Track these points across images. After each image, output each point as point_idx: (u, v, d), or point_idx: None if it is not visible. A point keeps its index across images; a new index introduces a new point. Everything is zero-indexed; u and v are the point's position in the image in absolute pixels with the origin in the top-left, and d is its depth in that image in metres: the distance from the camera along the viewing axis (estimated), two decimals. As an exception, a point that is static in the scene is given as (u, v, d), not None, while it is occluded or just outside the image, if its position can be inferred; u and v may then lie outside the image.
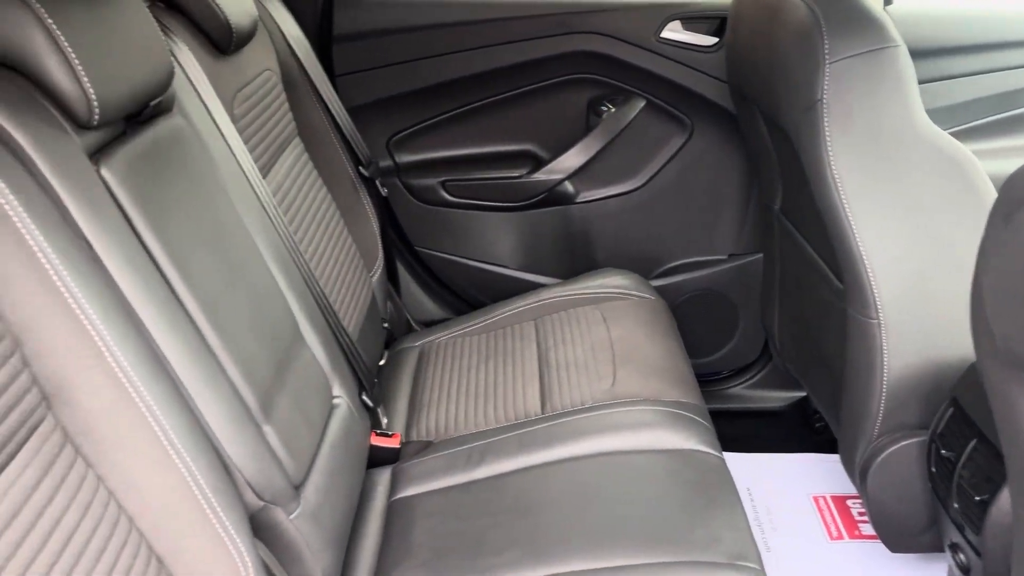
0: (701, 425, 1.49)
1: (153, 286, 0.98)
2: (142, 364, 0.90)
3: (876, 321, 1.33)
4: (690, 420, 1.49)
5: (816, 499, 1.92)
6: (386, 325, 1.90)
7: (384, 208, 2.00)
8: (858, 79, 1.24)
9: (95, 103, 0.94)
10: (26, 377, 0.80)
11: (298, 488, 1.16)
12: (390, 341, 1.94)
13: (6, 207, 0.81)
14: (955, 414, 1.27)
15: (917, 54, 1.32)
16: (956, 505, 1.24)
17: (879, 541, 1.72)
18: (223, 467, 1.00)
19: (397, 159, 2.06)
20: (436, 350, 1.87)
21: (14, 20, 0.90)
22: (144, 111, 1.08)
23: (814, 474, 1.99)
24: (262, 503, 1.08)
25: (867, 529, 1.81)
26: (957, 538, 1.28)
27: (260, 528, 1.08)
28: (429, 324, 2.09)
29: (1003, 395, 0.89)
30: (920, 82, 1.31)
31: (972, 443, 1.20)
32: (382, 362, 1.84)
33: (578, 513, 1.29)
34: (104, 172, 0.98)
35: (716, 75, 1.89)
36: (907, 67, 1.27)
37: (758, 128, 1.69)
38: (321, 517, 1.18)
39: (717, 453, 1.43)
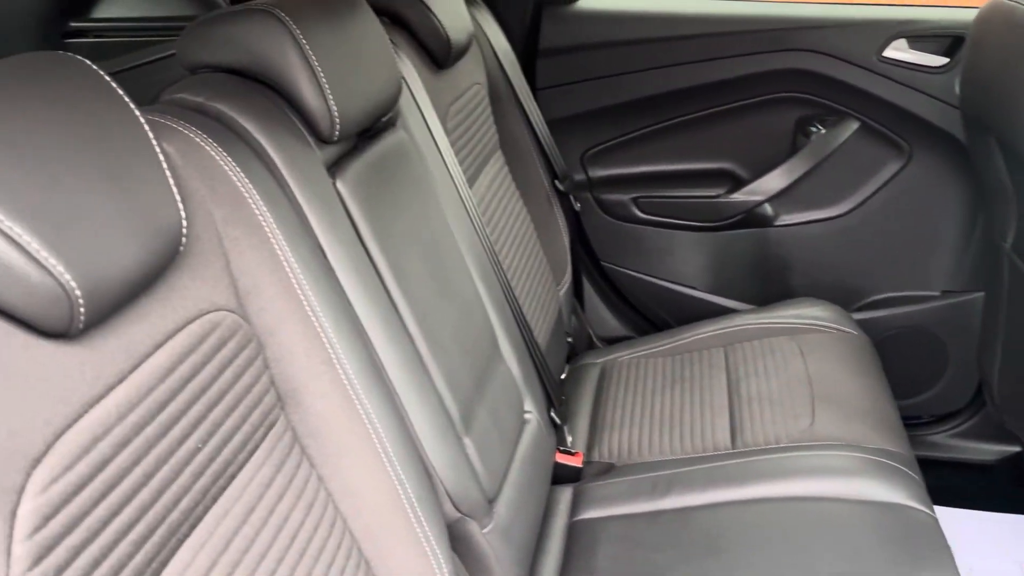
0: (910, 478, 1.37)
1: (376, 297, 1.02)
2: (364, 372, 0.94)
3: None
4: (898, 471, 1.38)
5: (1029, 569, 1.74)
6: (569, 340, 1.89)
7: (575, 222, 2.00)
8: None
9: (337, 119, 0.99)
10: (267, 379, 0.85)
11: (491, 502, 1.17)
12: (571, 356, 1.93)
13: (259, 218, 0.86)
14: None
15: None
16: None
17: (1108, 627, 1.54)
18: (427, 477, 1.02)
19: (591, 174, 2.05)
20: (619, 369, 1.84)
21: (273, 40, 0.95)
22: (375, 126, 1.13)
23: (1027, 540, 1.80)
24: (458, 515, 1.10)
25: (1092, 610, 1.61)
26: None
27: (454, 539, 1.09)
28: (611, 341, 2.07)
29: None
30: None
31: None
32: (563, 376, 1.84)
33: (771, 559, 1.23)
34: (339, 185, 1.03)
35: (944, 98, 1.75)
36: None
37: (993, 158, 1.54)
38: (511, 533, 1.18)
39: (929, 511, 1.32)
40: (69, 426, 0.61)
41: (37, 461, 0.58)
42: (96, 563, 0.61)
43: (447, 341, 1.17)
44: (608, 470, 1.54)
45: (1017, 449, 1.93)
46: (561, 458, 1.52)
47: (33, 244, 0.57)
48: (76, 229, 0.60)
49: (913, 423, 2.02)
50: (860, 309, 1.96)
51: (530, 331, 1.50)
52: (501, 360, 1.36)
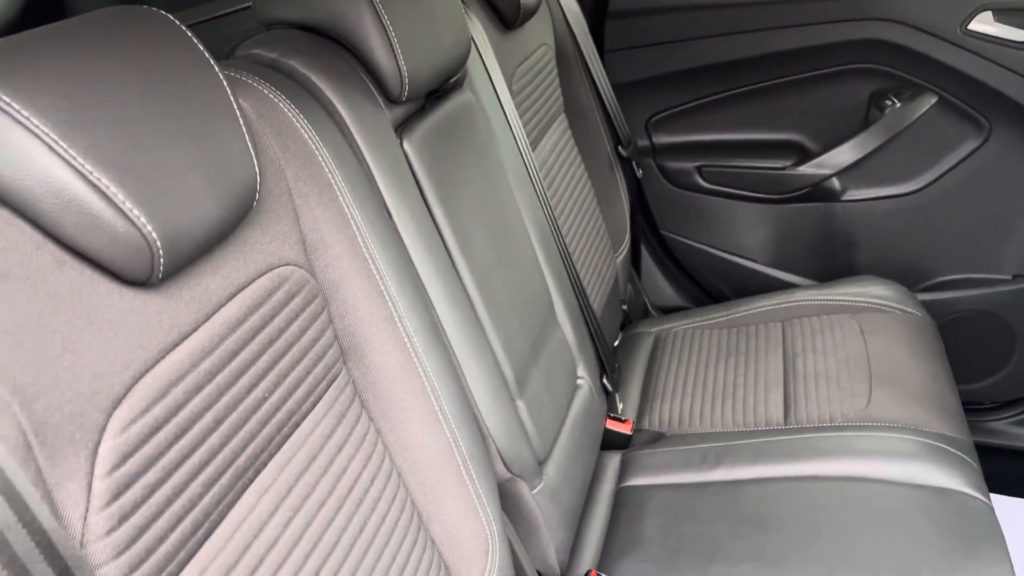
0: (968, 464, 1.35)
1: (438, 258, 1.03)
2: (424, 331, 0.95)
3: None
4: (955, 457, 1.35)
5: (1087, 563, 1.70)
6: (624, 307, 1.89)
7: (636, 189, 1.98)
8: None
9: (407, 79, 0.99)
10: (330, 333, 0.87)
11: (541, 464, 1.19)
12: (625, 323, 1.93)
13: (329, 176, 0.87)
14: None
15: None
16: None
17: None
18: (481, 436, 1.04)
19: (655, 140, 2.02)
20: (673, 339, 1.83)
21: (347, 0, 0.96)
22: (442, 87, 1.13)
23: (1087, 534, 1.76)
24: (509, 475, 1.12)
25: None
26: None
27: (504, 499, 1.12)
28: (667, 311, 2.06)
29: None
30: None
31: None
32: (616, 343, 1.84)
33: (821, 537, 1.22)
34: (406, 146, 1.04)
35: (1028, 74, 1.68)
36: None
37: (1079, 139, 1.48)
38: (560, 495, 1.20)
39: (985, 498, 1.29)
40: (147, 371, 0.63)
41: (117, 402, 0.60)
42: (169, 501, 0.64)
43: (505, 305, 1.18)
44: (658, 439, 1.54)
45: (1082, 441, 1.88)
46: (611, 425, 1.53)
47: (119, 195, 0.59)
48: (158, 182, 0.62)
49: (975, 408, 1.98)
50: (926, 290, 1.91)
51: (586, 297, 1.50)
52: (556, 325, 1.36)
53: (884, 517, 1.25)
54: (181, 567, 0.65)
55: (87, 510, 0.58)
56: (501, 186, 1.26)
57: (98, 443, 0.59)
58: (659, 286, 2.12)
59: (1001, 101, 1.74)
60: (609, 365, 1.54)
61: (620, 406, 1.57)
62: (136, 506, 0.61)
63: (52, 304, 0.58)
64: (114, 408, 0.60)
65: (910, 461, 1.34)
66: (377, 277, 0.91)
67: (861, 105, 1.87)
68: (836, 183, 1.92)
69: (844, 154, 1.87)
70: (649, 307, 2.06)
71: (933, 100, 1.80)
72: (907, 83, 1.81)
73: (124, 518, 0.60)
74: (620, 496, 1.42)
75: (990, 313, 1.89)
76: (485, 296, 1.11)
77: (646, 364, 1.77)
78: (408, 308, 0.93)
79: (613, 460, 1.51)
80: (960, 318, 1.90)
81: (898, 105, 1.82)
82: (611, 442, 1.53)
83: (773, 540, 1.23)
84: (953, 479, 1.31)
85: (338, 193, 0.88)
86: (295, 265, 0.83)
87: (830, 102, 1.89)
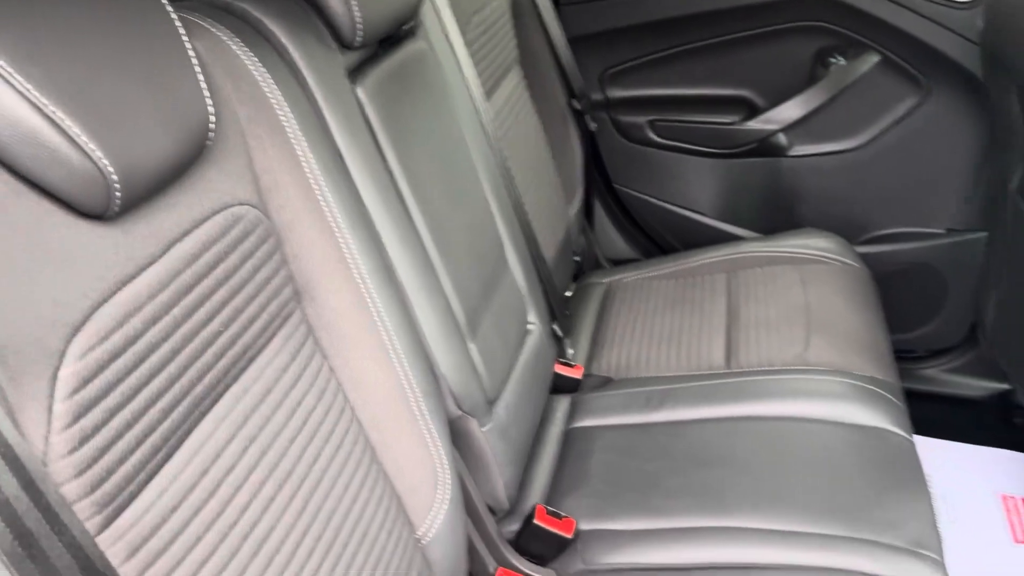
0: (894, 405, 1.43)
1: (390, 202, 1.06)
2: (376, 272, 0.98)
3: (1119, 325, 1.22)
4: (883, 398, 1.43)
5: (1005, 498, 1.81)
6: (577, 258, 1.94)
7: (589, 142, 2.01)
8: None
9: (360, 24, 1.01)
10: (284, 273, 0.90)
11: (492, 403, 1.23)
12: (578, 274, 1.98)
13: (281, 118, 0.89)
14: None
15: None
16: None
17: (1073, 556, 1.62)
18: (432, 375, 1.08)
19: (608, 94, 2.05)
20: (623, 289, 1.89)
21: (299, -58, 0.97)
22: (396, 33, 1.14)
23: (1006, 472, 1.87)
24: (460, 412, 1.16)
25: (1060, 540, 1.69)
26: None
27: (455, 435, 1.16)
28: (618, 262, 2.11)
29: None
30: None
31: None
32: (568, 293, 1.89)
33: (756, 472, 1.30)
34: (358, 91, 1.05)
35: (966, 34, 1.73)
36: None
37: (1010, 99, 1.54)
38: (509, 433, 1.25)
39: (908, 436, 1.38)
40: (105, 300, 0.66)
41: (77, 329, 0.63)
42: (128, 426, 0.67)
43: (457, 248, 1.21)
44: (606, 383, 1.60)
45: (1005, 387, 1.98)
46: (561, 369, 1.58)
47: (75, 128, 0.61)
48: (114, 118, 0.64)
49: (908, 357, 2.07)
50: (865, 243, 1.98)
51: (537, 246, 1.54)
52: (508, 271, 1.40)
53: (816, 454, 1.33)
54: (141, 488, 0.68)
55: (48, 431, 0.60)
56: (454, 134, 1.28)
57: (58, 367, 0.61)
58: (611, 238, 2.17)
59: (940, 61, 1.80)
60: (559, 311, 1.58)
61: (571, 352, 1.63)
62: (96, 428, 0.64)
63: (10, 233, 0.60)
64: (73, 335, 0.63)
65: (841, 402, 1.41)
66: (330, 218, 0.93)
67: (807, 62, 1.92)
68: (782, 139, 1.97)
69: (790, 110, 1.92)
70: (601, 258, 2.11)
71: (876, 59, 1.85)
72: (851, 41, 1.86)
73: (84, 439, 0.63)
74: (568, 437, 1.48)
75: (924, 265, 1.98)
76: (438, 240, 1.15)
77: (597, 313, 1.83)
78: (361, 249, 0.96)
79: (562, 403, 1.56)
80: (896, 270, 1.98)
81: (842, 63, 1.87)
82: (561, 386, 1.58)
83: (712, 475, 1.30)
84: (880, 419, 1.39)
85: (291, 135, 0.90)
86: (249, 205, 0.85)
87: (778, 59, 1.93)
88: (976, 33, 1.69)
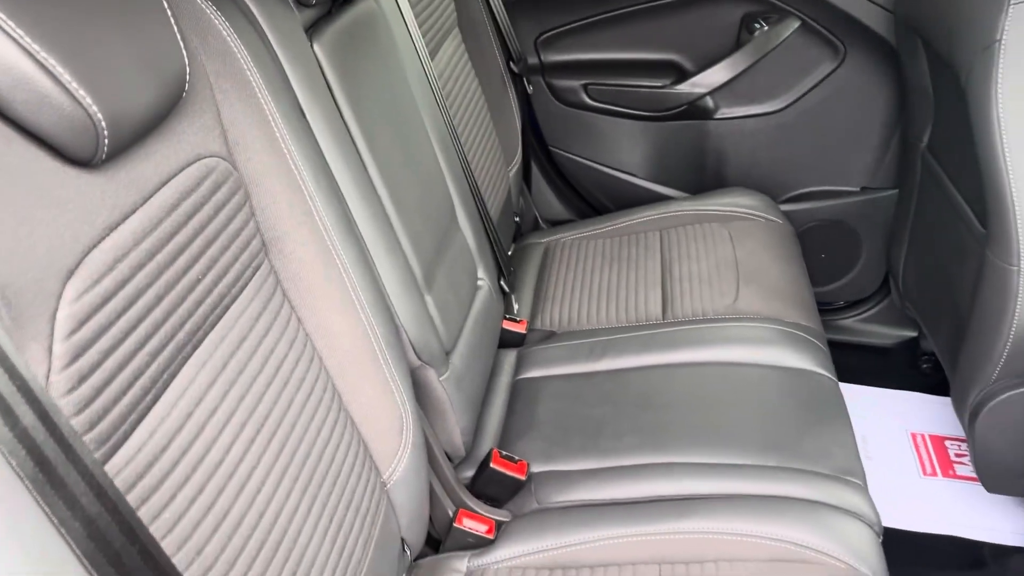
0: (819, 349, 1.54)
1: (349, 157, 1.09)
2: (340, 225, 1.01)
3: (1016, 268, 1.34)
4: (808, 342, 1.54)
5: (914, 436, 1.96)
6: (517, 219, 1.99)
7: (526, 106, 2.06)
8: (1044, 22, 1.22)
9: (316, -19, 1.03)
10: (253, 224, 0.92)
11: (448, 354, 1.28)
12: (517, 235, 2.03)
13: (248, 74, 0.91)
14: (1081, 367, 1.29)
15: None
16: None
17: (972, 483, 1.77)
18: (394, 325, 1.12)
19: (544, 58, 2.10)
20: (561, 248, 1.95)
21: (255, -102, 0.98)
22: (348, -8, 1.16)
23: (915, 412, 2.02)
24: (419, 362, 1.20)
25: (962, 470, 1.85)
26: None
27: (415, 385, 1.21)
28: (555, 223, 2.17)
29: None
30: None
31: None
32: (509, 253, 1.94)
33: (694, 413, 1.38)
34: (316, 48, 1.07)
35: (880, 2, 1.84)
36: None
37: (919, 61, 1.66)
38: (464, 382, 1.30)
39: (832, 377, 1.49)
40: (94, 245, 0.68)
41: (70, 273, 0.65)
42: (120, 367, 0.69)
43: (412, 206, 1.25)
44: (549, 336, 1.67)
45: (914, 334, 2.14)
46: (507, 325, 1.64)
47: (66, 76, 0.62)
48: (101, 67, 0.65)
49: (828, 308, 2.21)
50: (787, 201, 2.10)
51: (484, 205, 1.58)
52: (458, 229, 1.45)
53: (748, 394, 1.43)
54: (133, 427, 0.70)
55: (49, 370, 0.62)
56: (404, 93, 1.31)
57: (56, 310, 0.63)
58: (548, 200, 2.23)
59: (856, 27, 1.91)
60: (506, 268, 1.64)
61: (516, 307, 1.68)
62: (92, 369, 0.66)
63: (3, 178, 0.61)
64: (68, 278, 0.65)
65: (770, 347, 1.51)
66: (295, 172, 0.96)
67: (733, 28, 2.00)
68: (710, 102, 2.06)
69: (717, 74, 2.00)
70: (539, 220, 2.17)
71: (796, 24, 1.95)
72: (774, 7, 1.95)
73: (82, 379, 0.65)
74: (516, 387, 1.54)
75: (841, 222, 2.10)
76: (393, 195, 1.18)
77: (538, 272, 1.89)
78: (325, 202, 0.99)
79: (510, 356, 1.62)
80: (816, 226, 2.10)
81: (766, 28, 1.96)
82: (507, 341, 1.64)
83: (653, 417, 1.38)
84: (807, 361, 1.50)
85: (256, 90, 0.92)
86: (220, 157, 0.87)
87: (705, 24, 2.01)
88: (889, 1, 1.80)
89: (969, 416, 1.52)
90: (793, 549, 1.11)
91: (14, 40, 0.60)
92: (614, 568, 1.13)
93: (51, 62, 0.62)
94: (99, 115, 0.65)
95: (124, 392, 0.69)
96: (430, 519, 1.22)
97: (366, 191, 1.10)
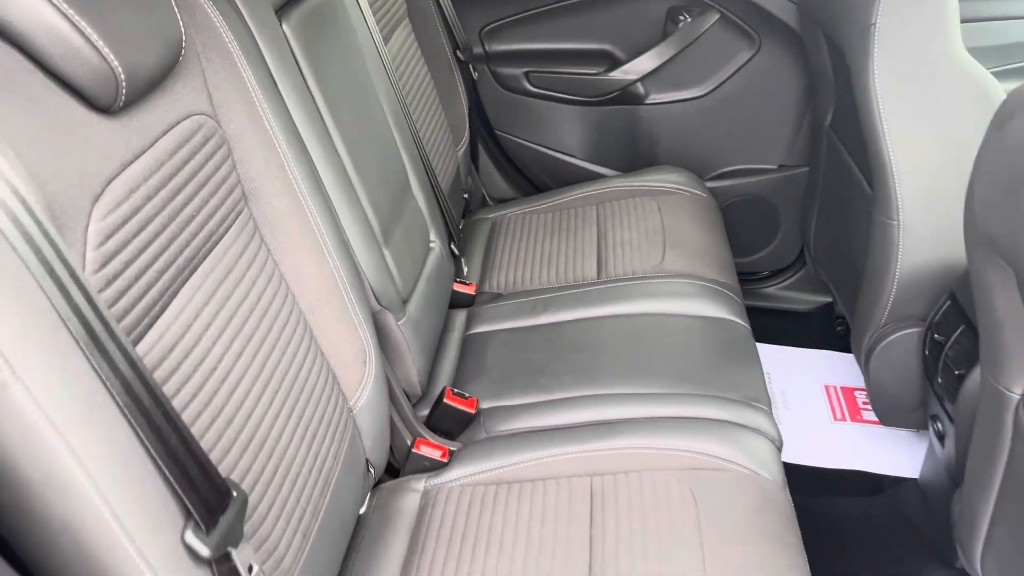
0: (734, 301, 1.74)
1: (316, 124, 1.24)
2: (308, 179, 1.17)
3: (896, 223, 1.55)
4: (725, 296, 1.74)
5: (826, 387, 2.18)
6: (466, 196, 2.16)
7: (473, 92, 2.23)
8: (908, 8, 1.43)
9: (284, -32, 1.18)
10: (235, 176, 1.07)
11: (405, 303, 1.44)
12: (467, 212, 2.20)
13: (230, 47, 1.06)
14: (951, 306, 1.50)
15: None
16: (940, 380, 1.48)
17: (876, 425, 1.99)
18: (356, 271, 1.28)
19: (488, 48, 2.27)
20: (507, 223, 2.13)
21: None
22: (312, -21, 1.32)
23: (829, 367, 2.24)
24: (379, 307, 1.36)
25: (868, 415, 2.07)
26: (937, 409, 1.53)
27: (377, 328, 1.36)
28: (501, 200, 2.34)
29: (981, 279, 1.11)
30: (976, 20, 1.47)
31: (960, 328, 1.44)
32: (460, 227, 2.10)
33: (624, 354, 1.57)
34: (284, 27, 1.23)
35: (788, -4, 2.06)
36: (953, 3, 1.45)
37: (820, 47, 1.87)
38: (420, 327, 1.47)
39: (745, 323, 1.68)
40: (114, 177, 0.83)
41: (97, 197, 0.80)
42: (136, 277, 0.84)
43: (370, 169, 1.41)
44: (496, 298, 1.84)
45: (829, 299, 2.36)
46: (458, 287, 1.80)
47: (95, 36, 0.77)
48: (121, 31, 0.81)
49: (752, 278, 2.42)
50: (712, 178, 2.30)
51: (435, 176, 1.75)
52: (412, 196, 1.61)
53: (671, 339, 1.62)
54: (146, 330, 0.85)
55: (84, 272, 0.77)
56: (362, 72, 1.47)
57: (87, 225, 0.78)
58: (494, 179, 2.40)
59: (767, 18, 2.12)
60: (456, 234, 1.80)
61: (465, 270, 1.85)
62: (116, 276, 0.81)
63: (46, 117, 0.76)
64: (95, 201, 0.80)
65: (692, 300, 1.71)
66: (270, 131, 1.11)
67: (659, 20, 2.20)
68: (640, 88, 2.25)
69: (645, 62, 2.20)
70: (486, 197, 2.34)
71: (716, 17, 2.15)
72: (696, 2, 2.16)
73: (108, 283, 0.80)
74: (467, 341, 1.71)
75: (761, 198, 2.32)
76: (354, 159, 1.34)
77: (485, 244, 2.06)
78: (295, 160, 1.14)
79: (460, 315, 1.79)
80: (739, 202, 2.31)
81: (689, 20, 2.16)
82: (458, 301, 1.80)
83: (587, 357, 1.56)
84: (723, 311, 1.69)
85: (236, 60, 1.07)
86: (207, 115, 1.02)
87: (635, 16, 2.21)
88: (794, -6, 2.01)
89: (864, 358, 1.73)
90: (706, 459, 1.30)
91: (54, 5, 0.75)
92: (552, 481, 1.30)
93: (83, 24, 0.77)
94: (119, 68, 0.80)
95: (140, 299, 0.84)
96: (391, 449, 1.38)
97: (330, 153, 1.26)
